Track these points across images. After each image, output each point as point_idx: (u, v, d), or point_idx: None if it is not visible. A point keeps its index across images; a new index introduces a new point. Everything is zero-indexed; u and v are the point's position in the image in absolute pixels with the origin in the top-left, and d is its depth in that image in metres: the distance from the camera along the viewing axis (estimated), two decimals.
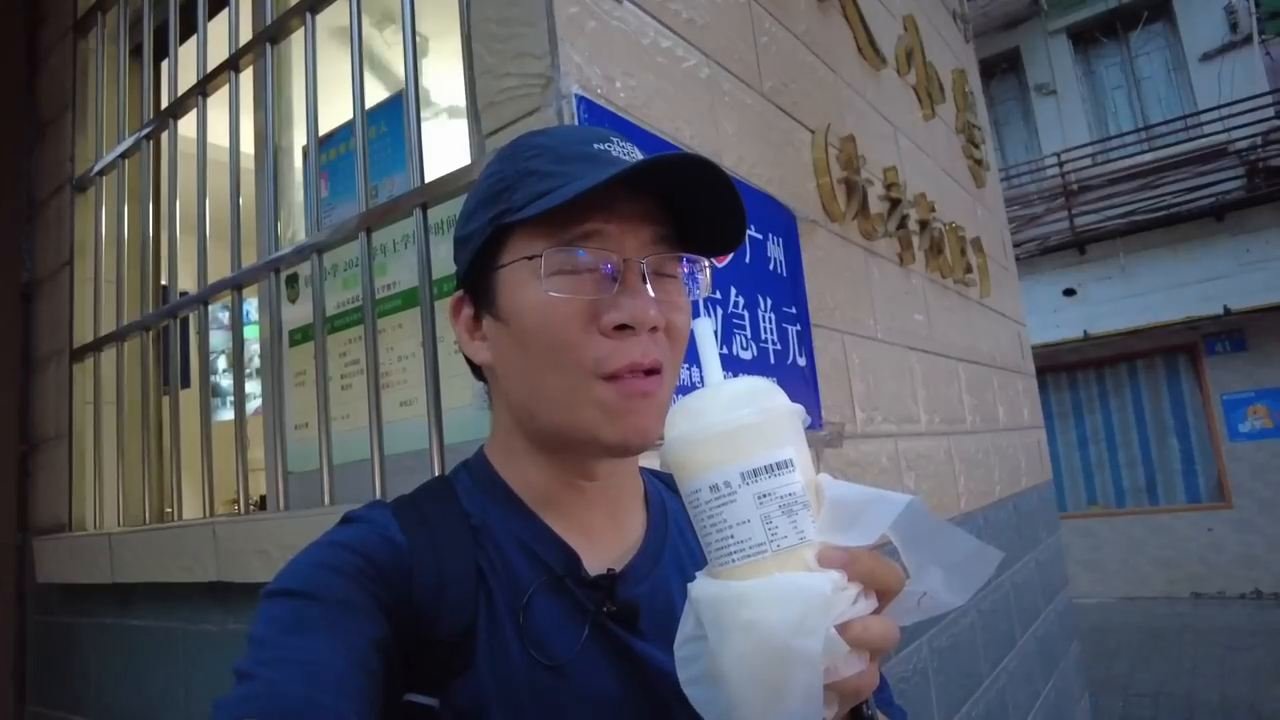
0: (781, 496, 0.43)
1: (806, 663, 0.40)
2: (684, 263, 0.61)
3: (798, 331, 1.59)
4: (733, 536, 0.43)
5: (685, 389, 1.20)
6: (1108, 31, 8.56)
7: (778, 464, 0.43)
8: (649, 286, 0.55)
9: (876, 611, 0.44)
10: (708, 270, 0.63)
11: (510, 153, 0.60)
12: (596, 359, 0.54)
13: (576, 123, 1.07)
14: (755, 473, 0.43)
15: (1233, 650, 5.68)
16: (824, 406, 1.63)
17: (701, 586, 0.45)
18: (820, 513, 0.44)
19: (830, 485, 0.45)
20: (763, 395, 0.46)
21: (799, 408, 0.47)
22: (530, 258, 0.55)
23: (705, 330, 0.52)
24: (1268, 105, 7.26)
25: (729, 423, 0.44)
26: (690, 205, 0.58)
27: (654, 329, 0.55)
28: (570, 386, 0.55)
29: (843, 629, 0.41)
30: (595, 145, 0.57)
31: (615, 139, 0.59)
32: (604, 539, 0.62)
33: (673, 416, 0.47)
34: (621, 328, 0.54)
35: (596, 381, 0.54)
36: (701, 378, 0.50)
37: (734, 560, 0.43)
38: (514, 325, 0.57)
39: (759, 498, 0.43)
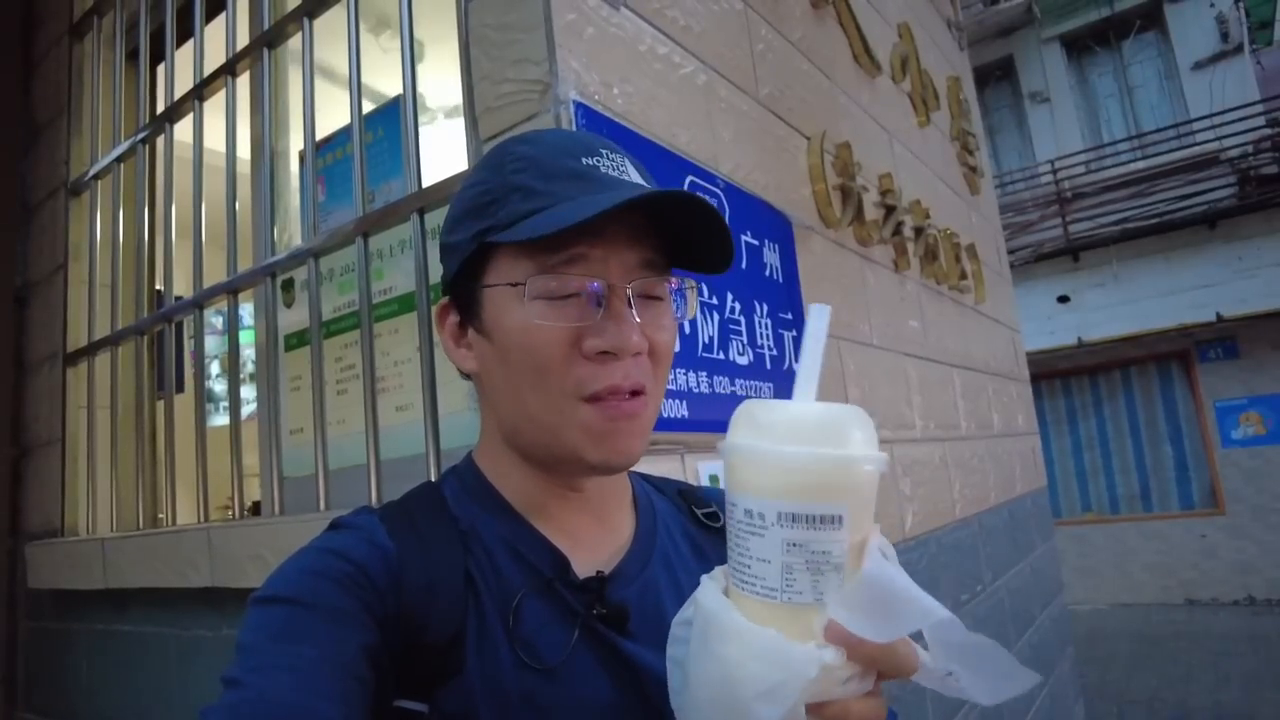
0: (813, 552, 0.39)
1: None
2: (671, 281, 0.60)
3: (794, 337, 1.60)
4: (749, 567, 0.41)
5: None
6: (1101, 40, 8.62)
7: (822, 518, 0.39)
8: (633, 311, 0.55)
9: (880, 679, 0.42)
10: (695, 292, 0.63)
11: (496, 162, 0.59)
12: (578, 381, 0.55)
13: (574, 129, 1.07)
14: (793, 518, 0.39)
15: (1226, 656, 5.69)
16: None
17: (709, 593, 0.44)
18: (850, 580, 0.40)
19: (874, 560, 0.41)
20: (835, 436, 0.40)
21: (880, 457, 0.40)
22: (515, 284, 0.55)
23: (818, 326, 0.45)
24: (1259, 114, 7.32)
25: (781, 455, 0.39)
26: (679, 226, 0.58)
27: (637, 354, 0.55)
28: (553, 408, 0.56)
29: (817, 708, 0.39)
30: (584, 160, 0.56)
31: (604, 151, 0.58)
32: (592, 542, 0.62)
33: (738, 416, 0.44)
34: (604, 353, 0.54)
35: (579, 404, 0.55)
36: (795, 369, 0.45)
37: (743, 589, 0.41)
38: (498, 344, 0.57)
39: (788, 545, 0.39)
